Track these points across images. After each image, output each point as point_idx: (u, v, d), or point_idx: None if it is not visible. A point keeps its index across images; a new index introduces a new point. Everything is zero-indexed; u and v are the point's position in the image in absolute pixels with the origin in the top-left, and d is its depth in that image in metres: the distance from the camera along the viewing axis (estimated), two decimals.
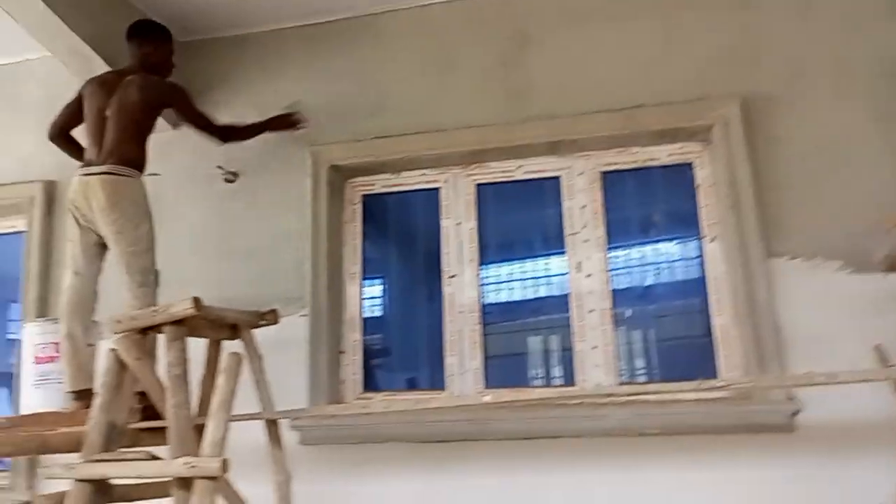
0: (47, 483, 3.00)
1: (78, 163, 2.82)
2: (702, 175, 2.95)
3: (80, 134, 2.97)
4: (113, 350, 2.30)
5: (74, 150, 2.90)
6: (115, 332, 2.32)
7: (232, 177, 3.32)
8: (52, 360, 2.60)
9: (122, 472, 2.05)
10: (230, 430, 2.07)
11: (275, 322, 2.73)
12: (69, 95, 3.65)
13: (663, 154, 3.01)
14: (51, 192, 3.55)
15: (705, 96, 2.87)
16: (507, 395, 2.81)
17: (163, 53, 2.93)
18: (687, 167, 2.99)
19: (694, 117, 2.88)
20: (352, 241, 3.29)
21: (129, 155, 2.68)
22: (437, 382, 3.08)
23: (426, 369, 3.19)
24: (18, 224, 3.70)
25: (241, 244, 3.25)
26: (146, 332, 2.36)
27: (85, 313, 2.54)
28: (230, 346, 2.45)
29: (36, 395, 2.58)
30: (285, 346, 2.92)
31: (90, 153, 2.66)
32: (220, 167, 3.30)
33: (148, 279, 2.61)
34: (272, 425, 2.58)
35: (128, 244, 2.57)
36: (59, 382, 2.60)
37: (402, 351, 3.33)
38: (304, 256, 3.16)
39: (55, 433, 2.12)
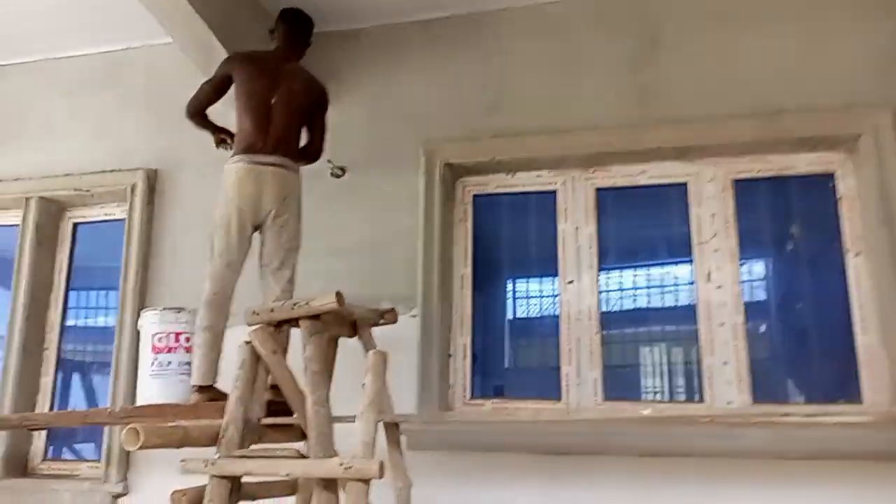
0: (184, 477, 2.95)
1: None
2: (845, 186, 2.80)
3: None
4: (248, 343, 2.21)
5: (208, 127, 2.81)
6: (251, 324, 2.24)
7: (340, 172, 3.24)
8: (170, 350, 2.53)
9: (268, 469, 1.96)
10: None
11: (394, 321, 2.64)
12: (172, 83, 3.65)
13: (801, 163, 2.87)
14: (152, 181, 3.50)
15: (853, 104, 2.73)
16: (631, 408, 2.67)
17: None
18: (828, 178, 2.84)
19: (841, 126, 2.74)
20: (463, 241, 3.19)
21: (294, 149, 2.66)
22: (547, 391, 2.95)
23: (539, 377, 3.07)
24: (116, 212, 3.66)
25: (348, 241, 3.16)
26: (281, 326, 2.28)
27: (228, 306, 2.46)
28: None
29: (154, 386, 2.50)
30: (392, 347, 2.81)
31: (255, 140, 2.55)
32: (329, 161, 3.22)
33: (294, 276, 2.59)
34: (392, 429, 2.47)
35: (288, 239, 2.58)
36: (178, 374, 2.52)
37: (512, 357, 3.21)
38: (414, 256, 3.07)
39: (197, 426, 2.03)
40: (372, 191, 3.21)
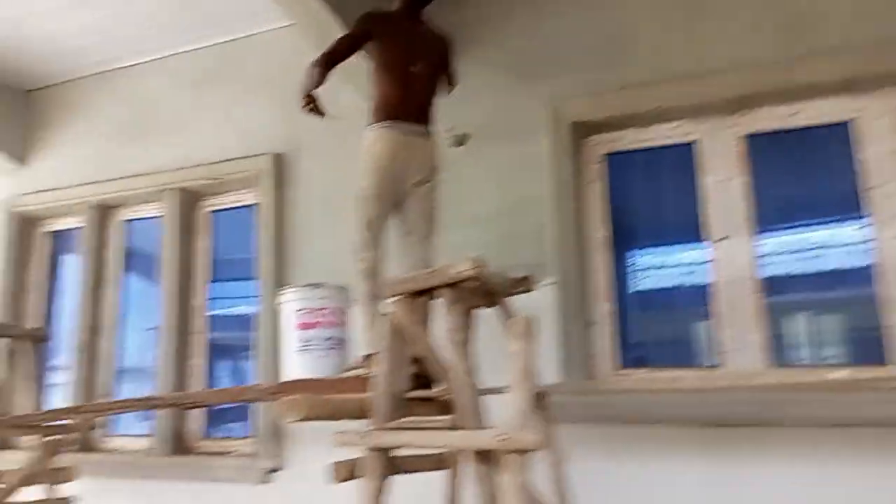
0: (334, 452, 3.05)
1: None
2: None
3: None
4: (390, 314, 2.17)
5: (321, 83, 2.71)
6: (391, 295, 2.20)
7: (461, 139, 3.14)
8: (314, 326, 2.55)
9: (424, 441, 1.92)
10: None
11: (529, 290, 2.52)
12: (291, 68, 3.68)
13: None
14: (279, 165, 3.57)
15: None
16: (803, 374, 2.42)
17: None
18: None
19: None
20: (596, 203, 3.01)
21: (432, 117, 2.62)
22: (698, 359, 2.74)
23: (685, 345, 2.86)
24: (247, 198, 3.77)
25: (473, 211, 3.07)
26: (419, 297, 2.22)
27: (383, 275, 2.47)
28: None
29: (299, 362, 2.53)
30: None
31: (401, 107, 2.51)
32: (448, 130, 3.12)
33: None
34: (541, 399, 2.36)
35: (432, 207, 2.58)
36: (323, 349, 2.54)
37: (655, 324, 3.01)
38: (544, 222, 2.93)
39: (351, 399, 2.02)
40: (496, 157, 3.10)
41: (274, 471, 3.29)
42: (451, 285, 2.12)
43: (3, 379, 3.37)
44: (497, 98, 3.13)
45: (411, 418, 2.13)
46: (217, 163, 3.71)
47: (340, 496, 3.08)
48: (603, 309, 2.91)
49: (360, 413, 2.03)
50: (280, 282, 3.43)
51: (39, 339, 3.42)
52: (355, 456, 2.07)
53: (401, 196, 2.56)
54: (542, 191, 2.96)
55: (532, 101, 3.04)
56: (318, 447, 3.25)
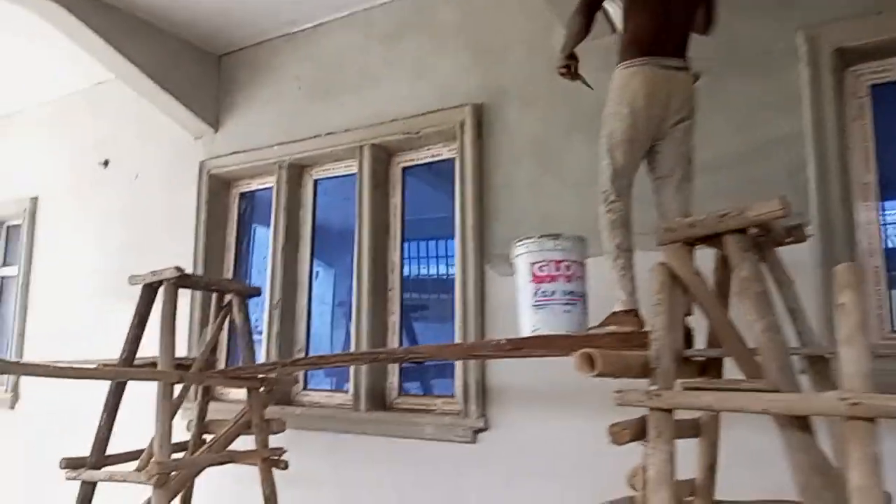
0: (543, 415, 2.93)
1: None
2: None
3: None
4: (664, 264, 1.95)
5: (585, 31, 2.52)
6: (665, 243, 1.97)
7: (694, 77, 2.82)
8: (552, 279, 2.38)
9: (733, 403, 1.69)
10: None
11: (802, 239, 2.21)
12: (487, 15, 3.52)
13: None
14: (479, 116, 3.41)
15: None
16: None
17: None
18: None
19: None
20: (861, 144, 2.62)
21: (688, 46, 2.38)
22: None
23: None
24: (443, 152, 3.66)
25: (710, 155, 2.73)
26: (694, 244, 1.98)
27: (631, 225, 2.29)
28: None
29: (538, 316, 2.38)
30: None
31: (659, 41, 2.28)
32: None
33: None
34: (820, 363, 2.06)
35: (689, 148, 2.36)
36: (563, 303, 2.37)
37: None
38: (799, 165, 2.58)
39: (631, 355, 1.84)
40: (736, 94, 2.77)
41: (480, 430, 3.20)
42: (741, 231, 1.88)
43: (213, 332, 3.48)
44: (738, 26, 2.78)
45: (700, 379, 1.92)
46: (412, 117, 3.61)
47: (548, 459, 3.00)
48: (871, 264, 2.54)
49: (643, 371, 1.84)
50: (482, 237, 3.30)
51: (251, 295, 3.50)
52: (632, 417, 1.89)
53: (656, 139, 2.32)
54: (794, 130, 2.61)
55: (783, 26, 2.67)
56: (524, 408, 3.15)
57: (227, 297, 3.45)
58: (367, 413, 3.54)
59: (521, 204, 3.25)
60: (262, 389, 3.34)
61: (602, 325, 2.27)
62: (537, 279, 2.41)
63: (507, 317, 3.18)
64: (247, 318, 3.43)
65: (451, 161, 3.58)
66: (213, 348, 3.49)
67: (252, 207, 4.54)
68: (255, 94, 4.36)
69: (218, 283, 3.35)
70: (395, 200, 3.82)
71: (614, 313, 2.24)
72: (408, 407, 3.55)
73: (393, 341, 3.66)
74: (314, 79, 4.09)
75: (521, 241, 2.47)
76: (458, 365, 3.33)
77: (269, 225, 4.27)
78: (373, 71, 3.85)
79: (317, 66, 4.09)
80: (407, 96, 3.67)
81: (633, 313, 2.23)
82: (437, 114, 3.54)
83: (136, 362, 3.16)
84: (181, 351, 3.52)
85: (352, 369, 3.67)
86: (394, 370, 3.64)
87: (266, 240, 4.30)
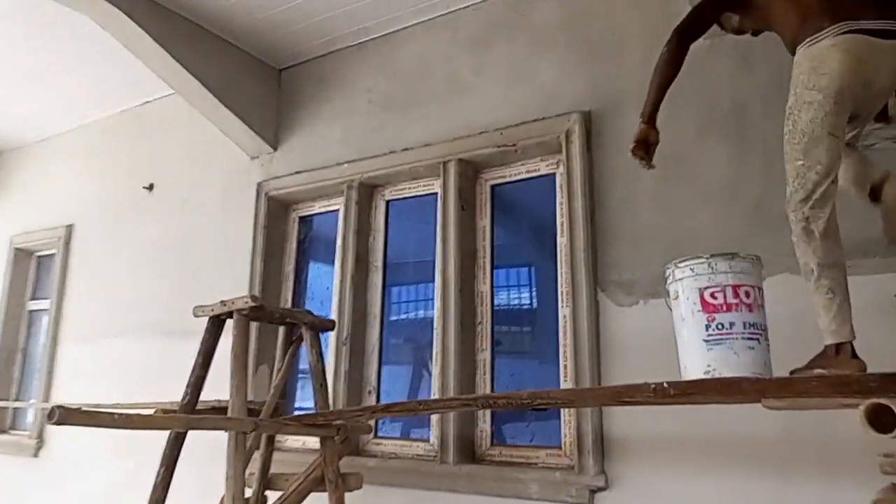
0: (669, 472, 2.43)
1: None
2: None
3: None
4: None
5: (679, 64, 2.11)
6: None
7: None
8: (728, 308, 1.92)
9: None
10: None
11: None
12: (593, 12, 3.14)
13: None
14: (588, 124, 3.00)
15: None
16: None
17: None
18: None
19: None
20: None
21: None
22: None
23: None
24: (540, 167, 3.24)
25: None
26: None
27: (839, 235, 1.81)
28: None
29: (711, 355, 1.91)
30: None
31: (854, 3, 1.81)
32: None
33: None
34: None
35: None
36: (744, 338, 1.90)
37: None
38: None
39: None
40: None
41: (599, 490, 2.70)
42: None
43: (283, 371, 3.05)
44: None
45: None
46: (507, 127, 3.20)
47: None
48: None
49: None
50: (595, 262, 2.86)
51: (325, 329, 3.06)
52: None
53: (861, 124, 1.88)
54: None
55: None
56: (651, 466, 2.65)
57: (297, 332, 3.02)
58: (455, 466, 3.05)
59: (643, 222, 2.80)
60: (336, 438, 2.88)
61: (809, 366, 1.79)
62: (710, 308, 1.95)
63: (628, 355, 2.73)
64: (320, 355, 2.98)
65: (550, 177, 3.16)
66: (283, 390, 3.04)
67: (312, 232, 4.14)
68: (319, 109, 4.00)
69: (291, 314, 2.92)
70: (484, 223, 3.39)
71: (827, 350, 1.77)
72: (503, 460, 3.06)
73: (484, 382, 3.20)
74: (388, 90, 3.72)
75: (681, 262, 2.02)
76: (566, 410, 2.86)
77: (332, 251, 3.87)
78: (460, 79, 3.47)
79: (392, 77, 3.72)
80: (500, 106, 3.27)
81: (846, 349, 1.76)
82: (537, 123, 3.12)
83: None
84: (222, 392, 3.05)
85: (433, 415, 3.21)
86: (485, 415, 3.16)
87: (326, 268, 3.89)
